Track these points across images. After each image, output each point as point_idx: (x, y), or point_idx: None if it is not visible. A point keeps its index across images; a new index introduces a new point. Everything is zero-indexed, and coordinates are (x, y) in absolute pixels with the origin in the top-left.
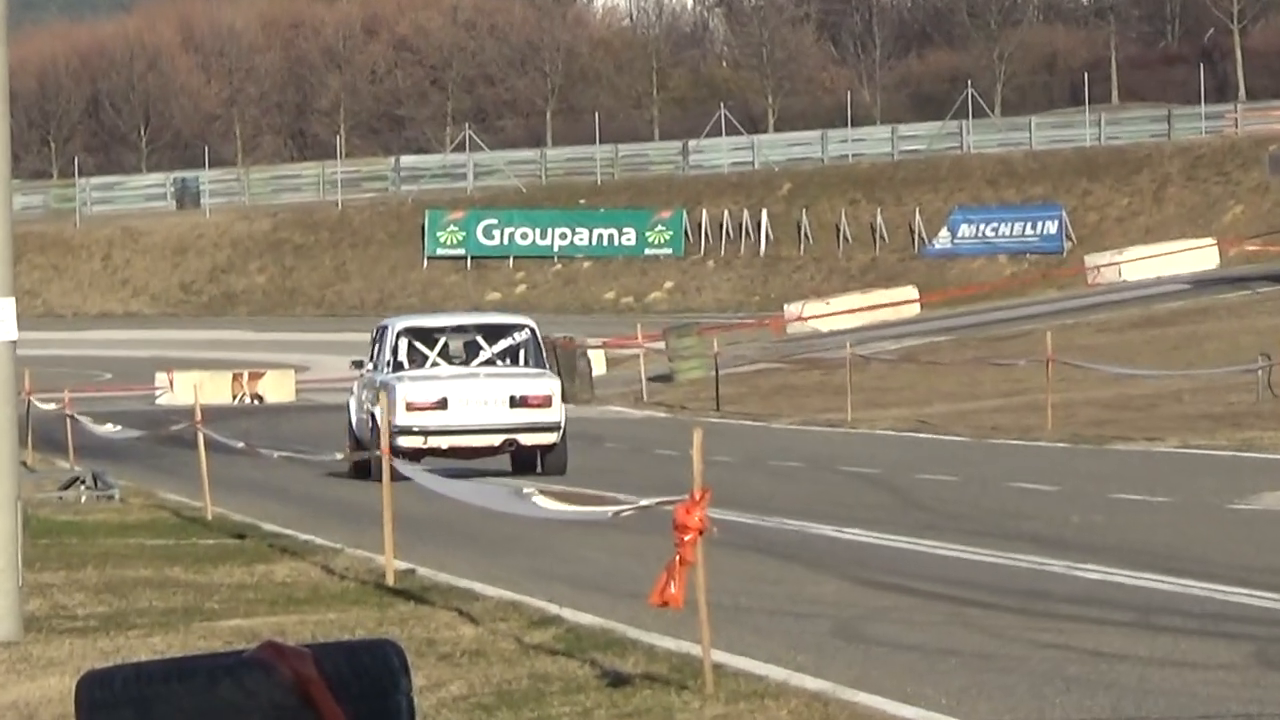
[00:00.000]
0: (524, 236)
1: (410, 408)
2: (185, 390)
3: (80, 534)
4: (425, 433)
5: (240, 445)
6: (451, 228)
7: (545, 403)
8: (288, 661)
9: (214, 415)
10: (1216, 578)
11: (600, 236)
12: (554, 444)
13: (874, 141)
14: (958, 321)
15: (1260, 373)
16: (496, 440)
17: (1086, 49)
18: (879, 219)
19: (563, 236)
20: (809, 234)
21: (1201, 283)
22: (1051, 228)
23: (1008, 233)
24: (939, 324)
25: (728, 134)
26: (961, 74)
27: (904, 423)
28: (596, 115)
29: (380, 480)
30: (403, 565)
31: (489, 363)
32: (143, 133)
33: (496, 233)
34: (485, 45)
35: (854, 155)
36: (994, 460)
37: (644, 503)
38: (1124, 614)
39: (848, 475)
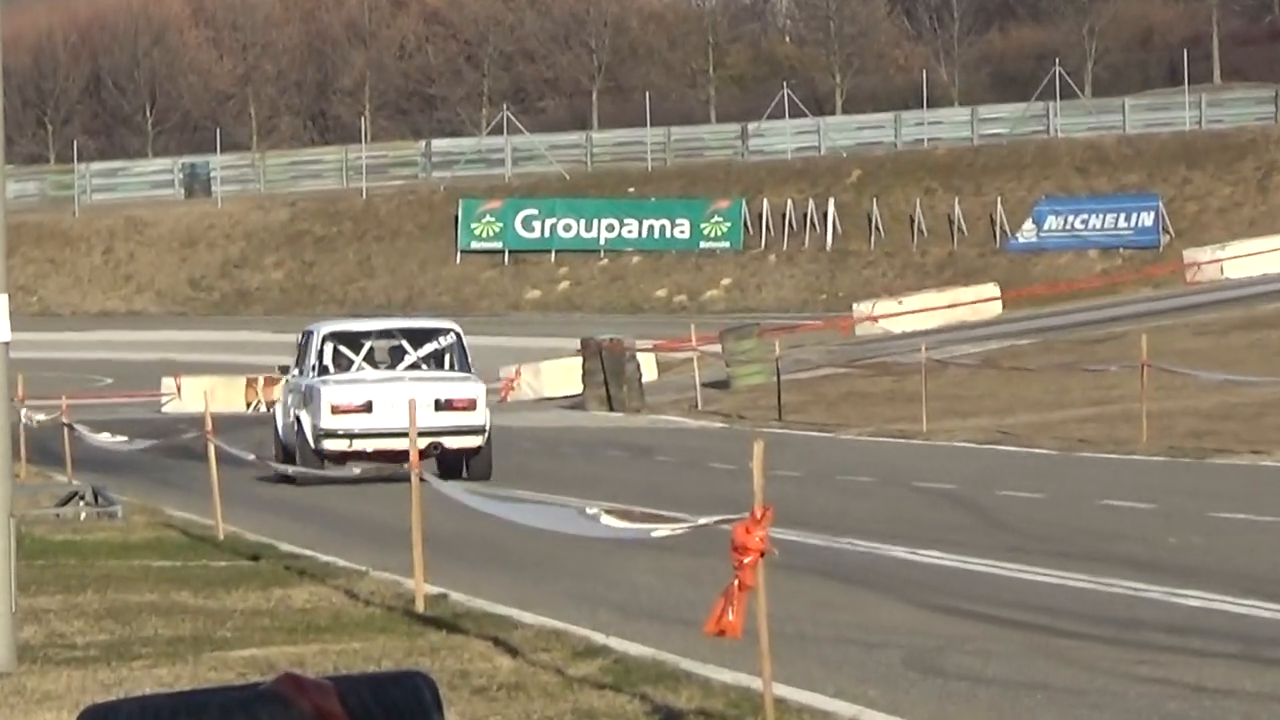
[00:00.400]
0: (567, 228)
1: (335, 410)
2: (194, 397)
3: (79, 555)
4: (350, 435)
5: (251, 457)
6: (487, 219)
7: (470, 406)
8: (308, 695)
9: (226, 424)
10: None
11: (651, 228)
12: (479, 447)
13: (952, 125)
14: (1043, 323)
15: None
16: (421, 444)
17: (1185, 24)
18: (957, 210)
19: (610, 228)
20: (880, 226)
21: None
22: (1147, 220)
23: (1098, 225)
24: (1023, 325)
25: (791, 116)
26: (1048, 51)
27: (984, 434)
28: (647, 95)
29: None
30: (434, 589)
31: (414, 366)
32: (148, 114)
33: (537, 224)
34: (525, 18)
35: (930, 140)
36: (1083, 475)
37: (700, 521)
38: (1227, 645)
39: (922, 491)
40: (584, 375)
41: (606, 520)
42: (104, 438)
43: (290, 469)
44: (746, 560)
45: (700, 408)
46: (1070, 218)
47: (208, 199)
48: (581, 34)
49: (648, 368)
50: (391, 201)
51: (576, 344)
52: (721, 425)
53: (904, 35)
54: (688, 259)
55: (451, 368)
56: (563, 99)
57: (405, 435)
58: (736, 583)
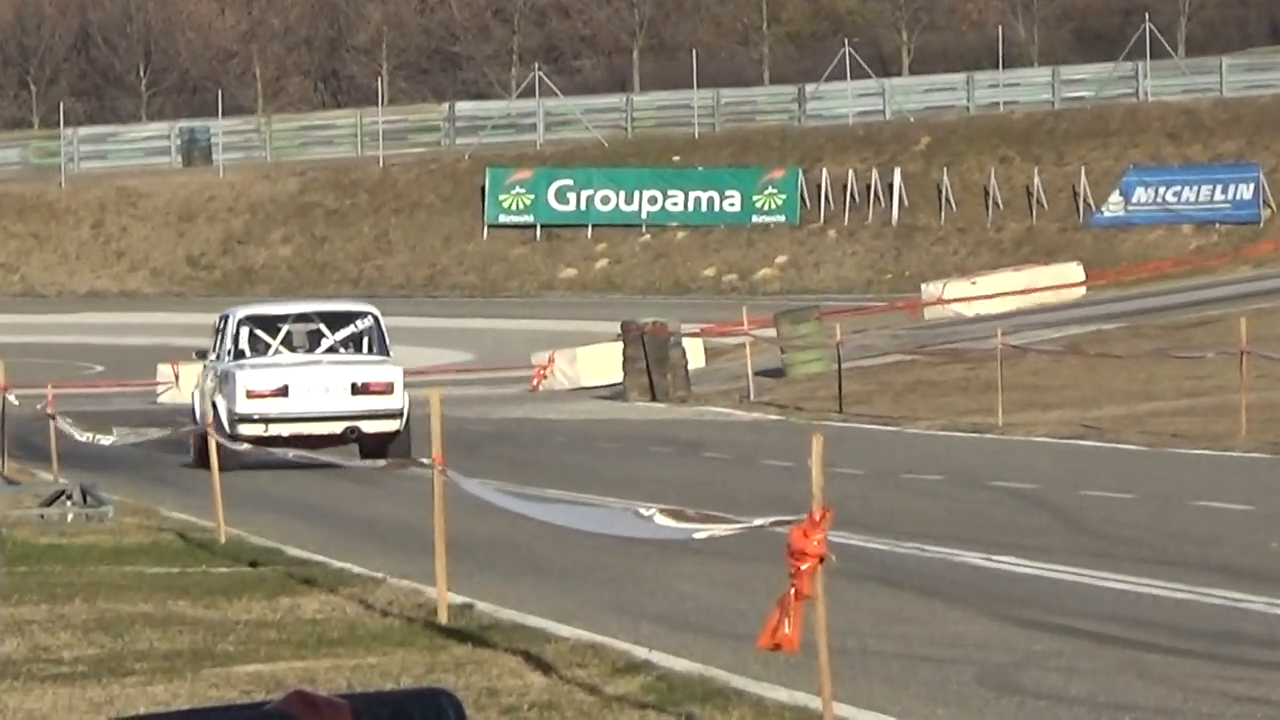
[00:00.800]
0: (605, 201)
1: (251, 395)
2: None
3: (66, 560)
4: (266, 420)
5: (245, 447)
6: (517, 190)
7: (387, 389)
8: (321, 715)
9: None
10: None
11: (698, 201)
12: (397, 431)
13: (1030, 87)
14: (1131, 305)
15: None
16: (338, 428)
17: None
18: (1036, 181)
19: (652, 201)
20: (951, 199)
21: None
22: (1245, 192)
23: (1192, 198)
24: (1108, 308)
25: (853, 77)
26: (1138, 5)
27: (1066, 428)
28: (694, 54)
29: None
30: (458, 599)
31: (332, 350)
32: (142, 74)
33: (572, 196)
34: None
35: (1006, 103)
36: (1175, 474)
37: (754, 523)
38: None
39: (998, 491)
40: (624, 363)
41: (661, 520)
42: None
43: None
44: (804, 567)
45: (752, 398)
46: (1161, 189)
47: (208, 168)
48: None
49: (694, 354)
50: (411, 171)
51: (616, 328)
52: (776, 418)
53: None
54: (738, 234)
55: (370, 351)
56: (600, 58)
57: (323, 419)
58: (793, 592)
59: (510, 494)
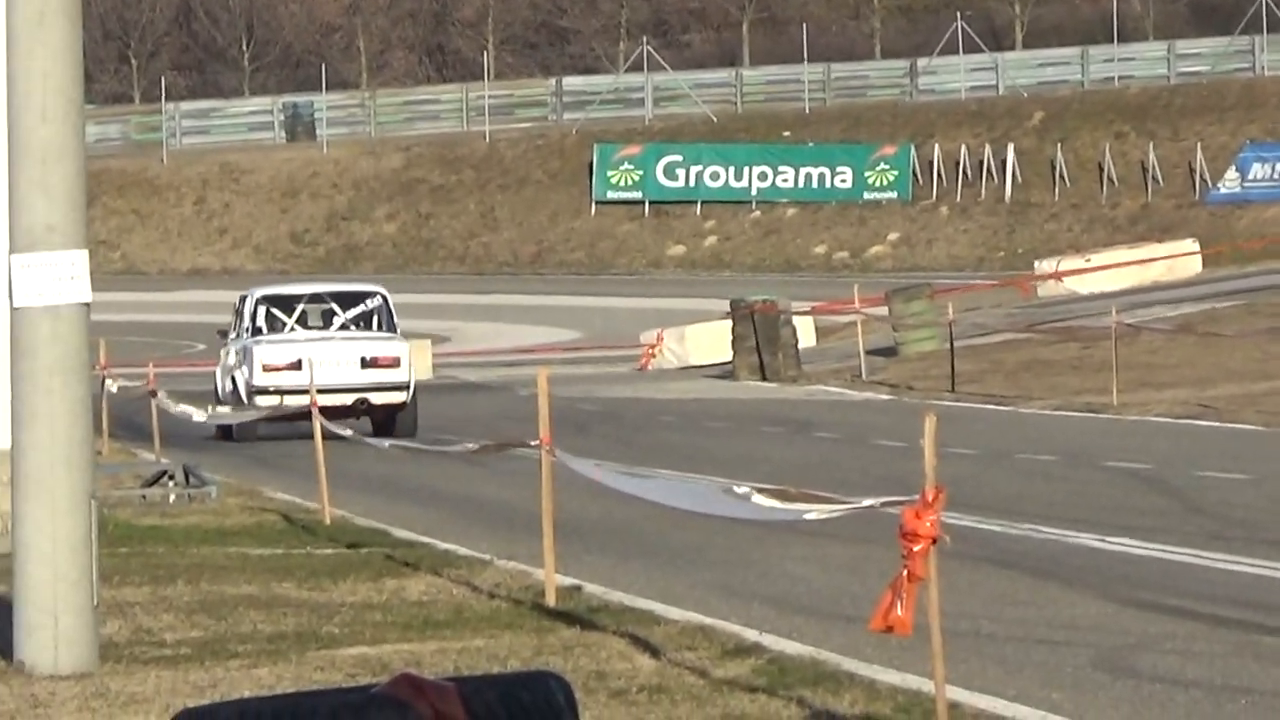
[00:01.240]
0: (714, 177)
1: (266, 369)
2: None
3: (168, 541)
4: (281, 392)
5: (347, 434)
6: (625, 166)
7: (394, 363)
8: (427, 698)
9: None
10: None
11: (808, 177)
12: (404, 403)
13: (1146, 61)
14: (1249, 283)
15: None
16: (349, 399)
17: None
18: (1151, 157)
19: (762, 177)
20: (1065, 175)
21: None
22: None
23: None
24: (1225, 286)
25: (966, 51)
26: None
27: (1182, 407)
28: (804, 27)
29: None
30: (566, 581)
31: (344, 327)
32: (245, 48)
33: (680, 172)
34: None
35: (1121, 78)
36: None
37: (865, 503)
38: None
39: (1113, 472)
40: (734, 341)
41: (758, 499)
42: (187, 410)
43: (242, 417)
44: (916, 548)
45: (864, 378)
46: (1278, 165)
47: (312, 143)
48: None
49: (805, 333)
50: (518, 146)
51: (725, 306)
52: (888, 397)
53: None
54: (850, 211)
55: (379, 328)
56: (710, 32)
57: (334, 391)
58: (905, 573)
59: (614, 471)
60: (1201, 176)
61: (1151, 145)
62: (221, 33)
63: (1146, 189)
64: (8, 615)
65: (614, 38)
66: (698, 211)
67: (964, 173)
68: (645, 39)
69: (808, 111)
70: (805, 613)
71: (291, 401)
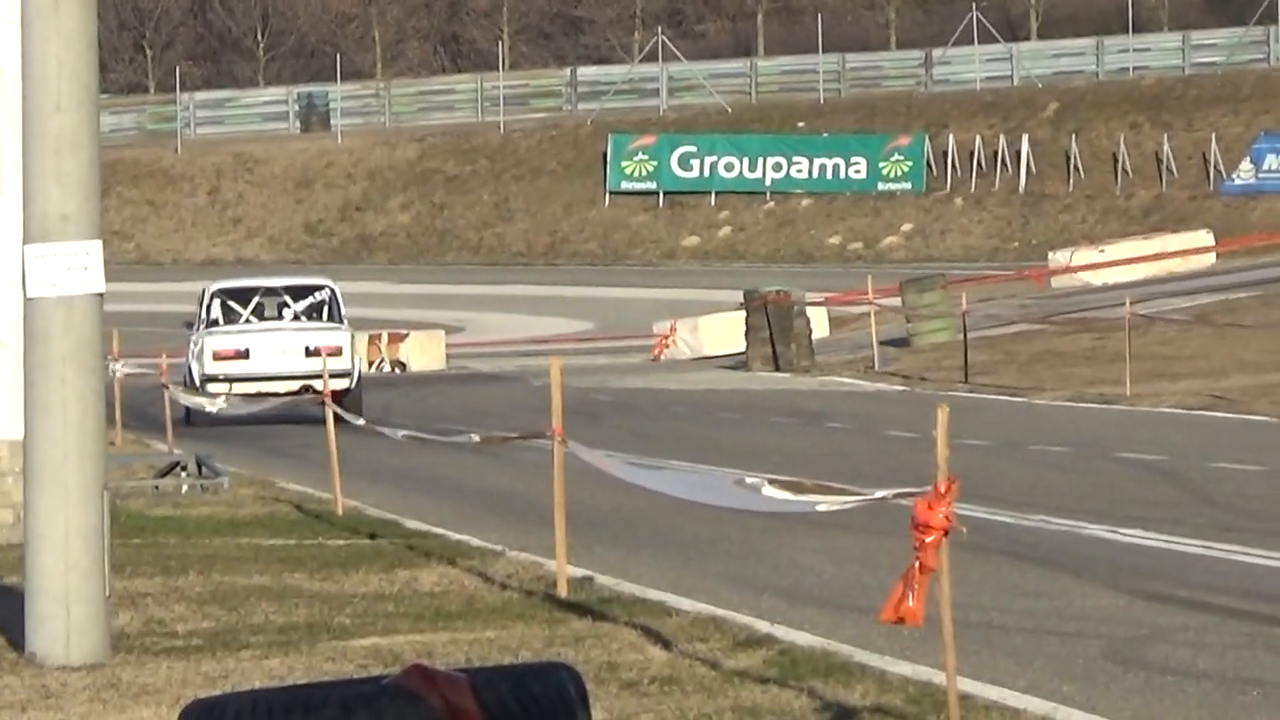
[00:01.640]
0: (729, 168)
1: (217, 357)
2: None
3: (180, 532)
4: (230, 379)
5: (360, 423)
6: (640, 156)
7: (337, 352)
8: (439, 690)
9: None
10: None
11: (822, 168)
12: (347, 389)
13: (1160, 52)
14: (1263, 274)
15: None
16: (294, 386)
17: None
18: (1166, 148)
19: (777, 168)
20: (1079, 165)
21: None
22: None
23: None
24: (1240, 277)
25: (980, 42)
26: None
27: (1195, 399)
28: (819, 18)
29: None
30: (578, 572)
31: (295, 318)
32: (260, 37)
33: (695, 163)
34: None
35: (1135, 68)
36: None
37: (877, 495)
38: None
39: (1126, 463)
40: (747, 332)
41: (769, 491)
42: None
43: (203, 401)
44: (929, 539)
45: (877, 368)
46: None
47: (326, 133)
48: None
49: (819, 323)
50: (532, 137)
51: (739, 297)
52: (901, 388)
53: None
54: (864, 202)
55: (327, 319)
56: (724, 22)
57: (280, 379)
58: (917, 565)
59: (624, 462)
60: (1216, 167)
61: (1166, 136)
62: (236, 22)
63: (1161, 180)
64: (19, 606)
65: (629, 27)
66: (712, 202)
67: (978, 163)
68: (660, 29)
69: (822, 102)
70: (817, 604)
71: (240, 388)
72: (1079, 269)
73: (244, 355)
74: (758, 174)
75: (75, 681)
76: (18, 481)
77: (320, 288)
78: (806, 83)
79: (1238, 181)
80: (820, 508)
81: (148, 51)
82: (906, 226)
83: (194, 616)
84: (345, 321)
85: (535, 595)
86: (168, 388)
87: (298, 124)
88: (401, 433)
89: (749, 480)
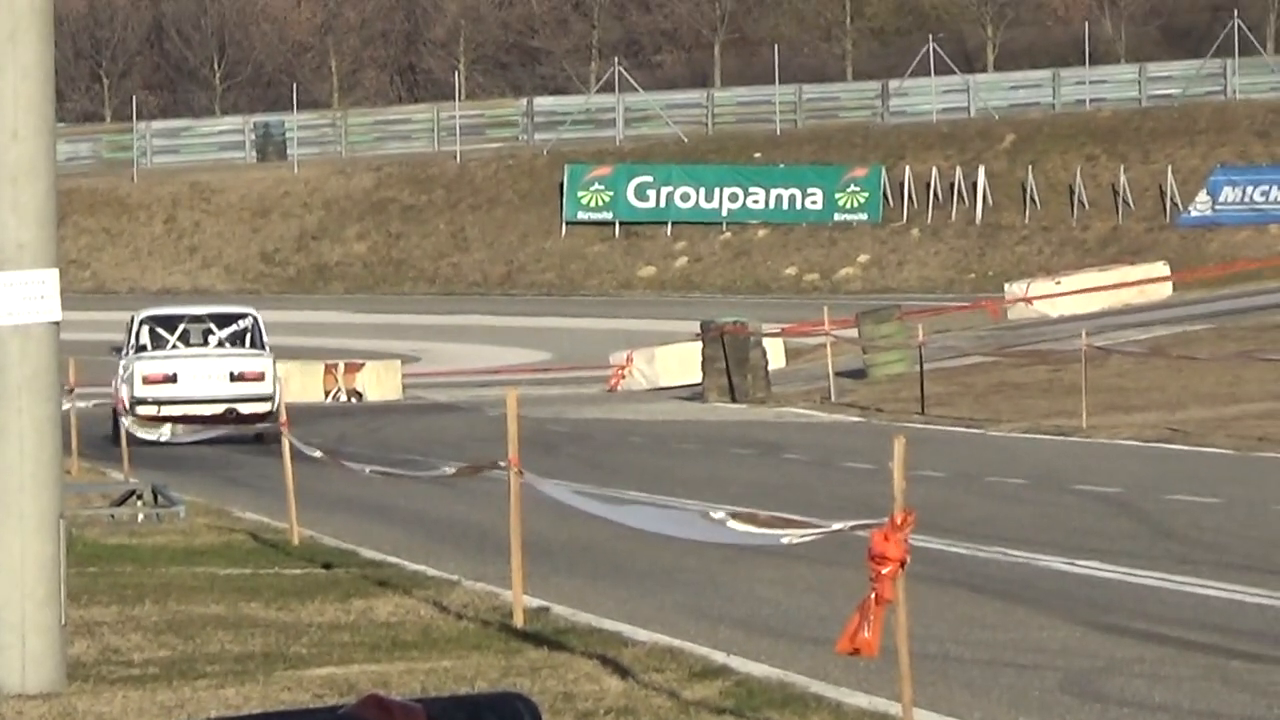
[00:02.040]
0: (685, 198)
1: (146, 381)
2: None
3: (136, 560)
4: (159, 402)
5: (318, 455)
6: (596, 187)
7: (259, 377)
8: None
9: (302, 415)
10: None
11: (779, 199)
12: (268, 412)
13: (1117, 84)
14: (1218, 306)
15: None
16: (219, 409)
17: None
18: (1122, 180)
19: (733, 198)
20: (1036, 197)
21: None
22: None
23: None
24: (1195, 309)
25: (937, 73)
26: (1226, 2)
27: (1151, 431)
28: (775, 49)
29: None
30: (534, 602)
31: (220, 345)
32: (216, 66)
33: (651, 193)
34: None
35: (1092, 101)
36: (1262, 478)
37: (833, 527)
38: None
39: (1082, 495)
40: (703, 362)
41: (733, 525)
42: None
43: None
44: (885, 571)
45: (834, 399)
46: (1249, 189)
47: (283, 163)
48: None
49: (775, 355)
50: (489, 167)
51: (695, 327)
52: (857, 419)
53: None
54: (820, 233)
55: (250, 346)
56: (681, 53)
57: (206, 402)
58: (873, 596)
59: (583, 495)
60: (1172, 200)
61: (1122, 168)
62: (193, 52)
63: (1117, 212)
64: None
65: (585, 58)
66: (668, 233)
67: (935, 195)
68: (616, 59)
69: (779, 133)
70: (773, 635)
71: (168, 410)
72: (1036, 298)
73: (172, 379)
74: (714, 204)
75: (31, 710)
76: None
77: (243, 316)
78: (763, 114)
79: (1194, 214)
80: (784, 540)
81: (104, 80)
82: (863, 257)
83: (150, 646)
84: (267, 348)
85: (491, 625)
86: (124, 416)
87: (254, 153)
88: (369, 469)
89: (715, 515)
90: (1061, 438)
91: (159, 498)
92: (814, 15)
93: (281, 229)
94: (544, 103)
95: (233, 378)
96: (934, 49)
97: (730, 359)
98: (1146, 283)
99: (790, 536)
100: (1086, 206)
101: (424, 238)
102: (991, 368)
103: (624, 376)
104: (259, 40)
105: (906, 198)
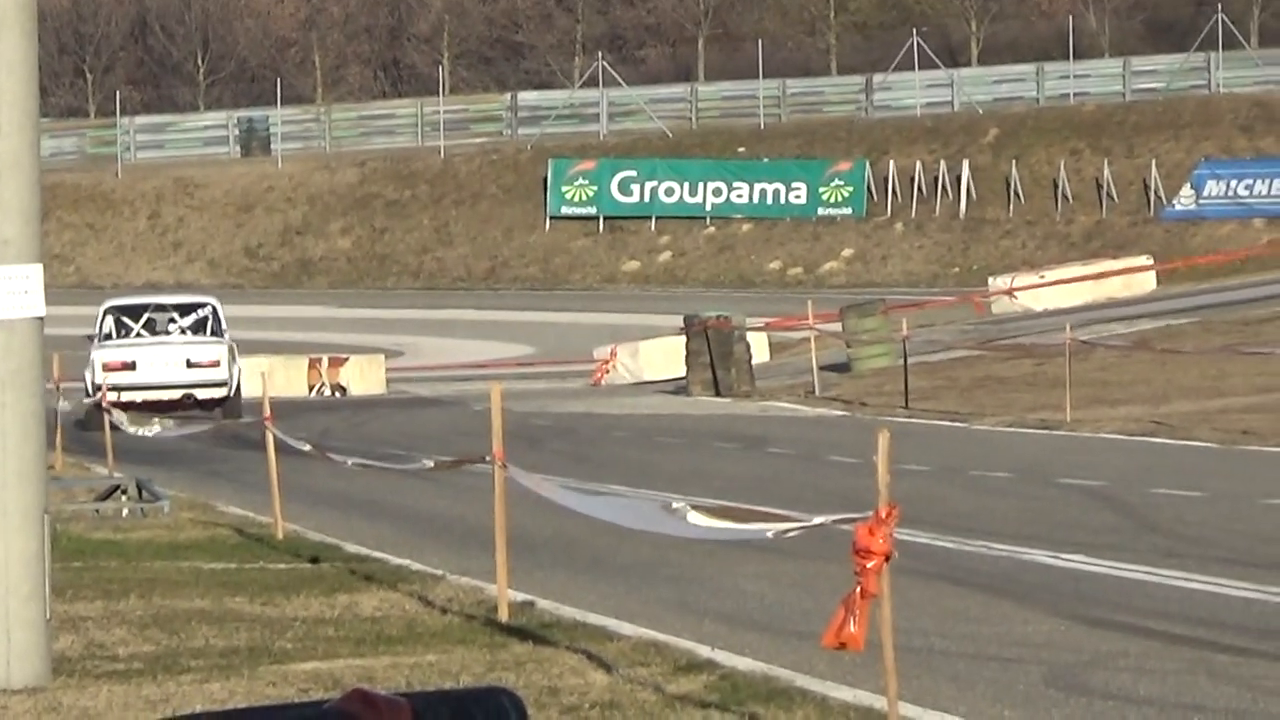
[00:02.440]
0: (669, 192)
1: (106, 368)
2: (251, 379)
3: (121, 555)
4: (118, 389)
5: (307, 448)
6: (580, 181)
7: (214, 363)
8: (380, 714)
9: (286, 410)
10: None
11: (763, 193)
12: (225, 396)
13: (1101, 78)
14: (1202, 300)
15: None
16: (177, 394)
17: None
18: (1106, 173)
19: (717, 193)
20: (1019, 191)
21: None
22: None
23: (1264, 191)
24: (1179, 303)
25: (921, 67)
26: None
27: (1136, 424)
28: (759, 43)
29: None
30: (519, 596)
31: (183, 332)
32: (200, 62)
33: (635, 187)
34: None
35: (1076, 95)
36: (1247, 472)
37: (816, 520)
38: None
39: (1066, 489)
40: (687, 357)
41: (694, 518)
42: (154, 429)
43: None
44: (870, 565)
45: (817, 393)
46: (1233, 182)
47: (266, 158)
48: None
49: (759, 349)
50: (472, 161)
51: (679, 322)
52: (841, 413)
53: None
54: (804, 227)
55: (209, 333)
56: (665, 47)
57: (164, 388)
58: (858, 590)
59: (557, 486)
60: (1156, 193)
61: (1106, 162)
62: (177, 47)
63: (1101, 206)
64: None
65: (569, 53)
66: (652, 227)
67: (919, 189)
68: (600, 54)
69: (763, 127)
70: (757, 629)
71: (128, 397)
72: (1020, 288)
73: (130, 367)
74: (698, 199)
75: (16, 705)
76: None
77: (203, 305)
78: (747, 108)
79: (1178, 207)
80: (770, 534)
81: (88, 76)
82: (847, 252)
83: (135, 640)
84: (226, 335)
85: (476, 620)
86: (108, 411)
87: (238, 148)
88: (351, 460)
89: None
90: (1046, 431)
91: (143, 492)
92: (797, 9)
93: (265, 224)
94: (528, 97)
95: (189, 364)
96: (918, 43)
97: (714, 353)
98: (1129, 271)
99: (774, 530)
100: (1070, 200)
101: (408, 232)
102: (976, 361)
103: (608, 371)
104: (243, 35)
105: (890, 192)
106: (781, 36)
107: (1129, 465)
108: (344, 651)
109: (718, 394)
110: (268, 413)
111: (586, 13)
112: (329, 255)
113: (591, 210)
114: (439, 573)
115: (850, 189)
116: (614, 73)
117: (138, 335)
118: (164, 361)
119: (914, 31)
